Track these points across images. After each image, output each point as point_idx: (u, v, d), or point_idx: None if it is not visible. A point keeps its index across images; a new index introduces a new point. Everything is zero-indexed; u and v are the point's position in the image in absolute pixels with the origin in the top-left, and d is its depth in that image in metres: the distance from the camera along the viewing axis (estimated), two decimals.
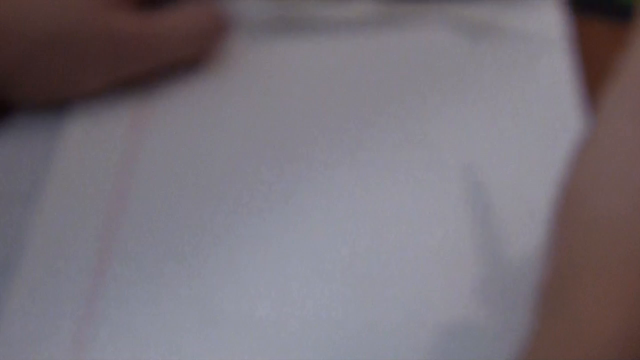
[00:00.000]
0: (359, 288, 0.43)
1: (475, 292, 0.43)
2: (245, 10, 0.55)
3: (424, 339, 0.41)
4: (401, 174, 0.48)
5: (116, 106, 0.51)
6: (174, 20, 0.51)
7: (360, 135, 0.50)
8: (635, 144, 0.33)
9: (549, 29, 0.54)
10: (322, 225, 0.45)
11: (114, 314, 0.42)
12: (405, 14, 0.55)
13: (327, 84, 0.52)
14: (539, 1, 0.56)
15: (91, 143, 0.49)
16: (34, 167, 0.49)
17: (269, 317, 0.42)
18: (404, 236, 0.45)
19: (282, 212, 0.46)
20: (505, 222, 0.45)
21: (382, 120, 0.50)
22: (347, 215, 0.46)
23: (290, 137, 0.50)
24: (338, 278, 0.43)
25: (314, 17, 0.55)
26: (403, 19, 0.55)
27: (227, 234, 0.45)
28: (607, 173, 0.33)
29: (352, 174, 0.48)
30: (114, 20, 0.49)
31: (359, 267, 0.44)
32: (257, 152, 0.49)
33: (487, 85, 0.52)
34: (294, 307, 0.42)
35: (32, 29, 0.48)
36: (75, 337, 0.41)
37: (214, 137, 0.50)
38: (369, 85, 0.52)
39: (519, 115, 0.50)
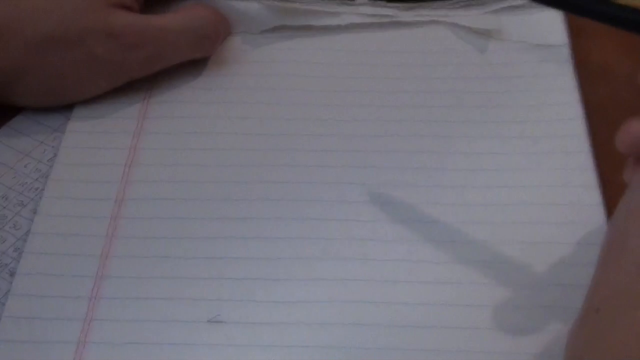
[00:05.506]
0: (359, 289, 0.43)
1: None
2: (245, 13, 0.55)
3: (429, 339, 0.41)
4: (401, 175, 0.48)
5: (116, 105, 0.51)
6: (174, 21, 0.51)
7: (359, 134, 0.50)
8: None
9: (551, 36, 0.54)
10: (320, 222, 0.45)
11: (114, 314, 0.42)
12: (406, 20, 0.56)
13: (326, 82, 0.53)
14: (540, 7, 0.56)
15: (91, 142, 0.49)
16: (36, 165, 0.49)
17: (268, 317, 0.42)
18: (407, 237, 0.45)
19: (280, 209, 0.46)
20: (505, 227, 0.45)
21: (381, 120, 0.50)
22: (345, 214, 0.46)
23: (290, 135, 0.50)
24: (337, 277, 0.43)
25: (314, 26, 0.55)
26: (404, 23, 0.56)
27: (226, 232, 0.45)
28: None
29: (350, 173, 0.48)
30: (114, 21, 0.49)
31: (359, 269, 0.44)
32: (257, 153, 0.49)
33: (488, 90, 0.52)
34: (293, 308, 0.42)
35: (33, 31, 0.48)
36: (76, 337, 0.41)
37: (212, 137, 0.50)
38: (367, 84, 0.52)
39: (519, 118, 0.50)
